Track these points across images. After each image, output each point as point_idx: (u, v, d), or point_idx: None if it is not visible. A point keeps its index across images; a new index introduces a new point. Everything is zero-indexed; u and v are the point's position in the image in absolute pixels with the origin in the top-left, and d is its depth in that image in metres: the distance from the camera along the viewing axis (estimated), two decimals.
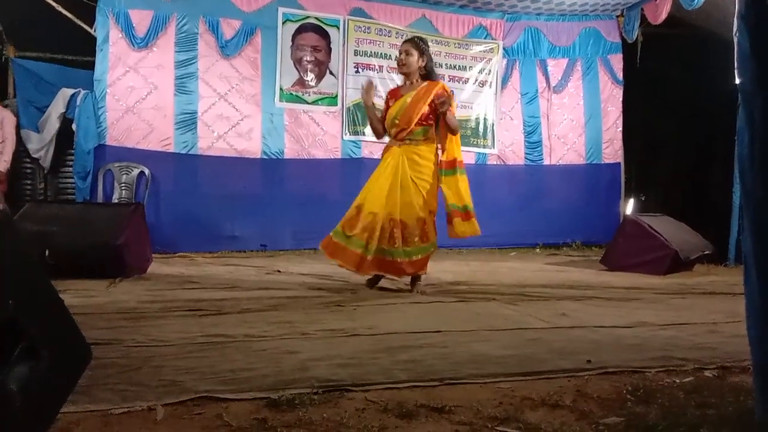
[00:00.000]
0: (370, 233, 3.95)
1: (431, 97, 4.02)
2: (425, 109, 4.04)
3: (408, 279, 4.14)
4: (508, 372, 2.19)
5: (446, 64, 7.42)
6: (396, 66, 4.22)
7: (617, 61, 8.03)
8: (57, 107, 6.45)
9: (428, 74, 4.14)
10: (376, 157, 7.19)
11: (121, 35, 6.33)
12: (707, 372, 2.24)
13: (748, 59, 1.32)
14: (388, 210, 3.99)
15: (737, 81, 1.42)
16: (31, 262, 1.47)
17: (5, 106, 6.38)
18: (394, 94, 4.22)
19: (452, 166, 4.15)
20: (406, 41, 4.23)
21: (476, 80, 7.67)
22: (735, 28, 1.40)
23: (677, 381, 2.12)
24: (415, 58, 4.07)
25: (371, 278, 4.22)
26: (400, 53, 4.13)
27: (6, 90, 6.78)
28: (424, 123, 4.08)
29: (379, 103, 7.18)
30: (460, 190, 4.13)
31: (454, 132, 4.13)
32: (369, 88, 4.17)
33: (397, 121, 4.08)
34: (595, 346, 2.61)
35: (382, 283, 4.38)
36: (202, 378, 2.04)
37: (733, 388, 2.03)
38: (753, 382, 1.52)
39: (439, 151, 4.16)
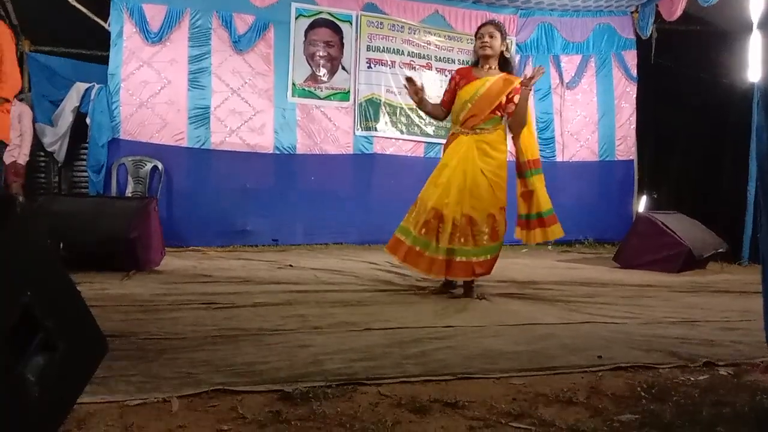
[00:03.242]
0: (439, 231, 3.65)
1: (511, 89, 3.74)
2: (502, 99, 3.74)
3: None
4: (521, 367, 2.19)
5: (459, 60, 7.39)
6: (479, 49, 3.75)
7: (631, 58, 7.97)
8: (71, 101, 6.50)
9: (505, 62, 3.85)
10: (388, 152, 7.24)
11: (135, 30, 6.36)
12: (722, 370, 2.23)
13: None
14: (458, 205, 3.66)
15: (753, 80, 1.41)
16: (49, 254, 1.48)
17: (21, 100, 6.43)
18: (466, 75, 3.83)
19: (538, 165, 3.92)
20: (489, 23, 3.85)
21: None
22: (755, 27, 1.39)
23: (692, 379, 2.11)
24: (498, 42, 3.75)
25: (444, 283, 3.92)
26: (484, 35, 3.74)
27: (21, 84, 6.83)
28: (497, 113, 3.79)
29: (389, 98, 7.19)
30: (544, 193, 3.92)
31: (523, 124, 3.86)
32: (414, 88, 3.81)
33: (469, 106, 3.74)
34: (607, 343, 2.61)
35: (392, 278, 4.38)
36: (216, 370, 2.06)
37: (748, 387, 2.02)
38: None
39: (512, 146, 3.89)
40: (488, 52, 3.75)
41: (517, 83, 3.74)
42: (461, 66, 3.95)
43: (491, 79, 3.75)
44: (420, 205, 3.78)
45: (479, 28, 3.86)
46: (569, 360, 2.31)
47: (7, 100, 3.85)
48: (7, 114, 3.96)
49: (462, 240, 3.66)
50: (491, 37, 3.74)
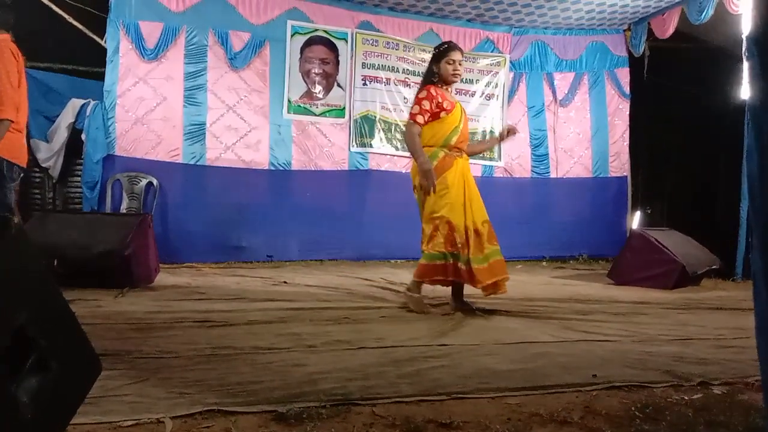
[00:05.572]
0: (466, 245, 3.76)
1: None
2: None
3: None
4: (515, 386, 2.19)
5: None
6: (451, 76, 3.88)
7: (624, 75, 8.05)
8: (66, 117, 6.49)
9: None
10: (383, 168, 7.25)
11: (131, 46, 6.38)
12: (715, 389, 2.23)
13: (758, 80, 1.32)
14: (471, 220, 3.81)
15: (745, 98, 1.43)
16: (42, 273, 1.48)
17: None
18: (445, 97, 3.90)
19: None
20: (460, 50, 3.95)
21: (483, 93, 7.70)
22: (744, 48, 1.39)
23: (686, 398, 2.11)
24: None
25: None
26: (457, 62, 3.87)
27: (26, 105, 6.84)
28: None
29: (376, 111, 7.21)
30: None
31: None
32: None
33: (459, 130, 3.92)
34: (601, 361, 2.61)
35: (387, 294, 4.38)
36: (210, 390, 2.05)
37: (741, 406, 2.02)
38: (763, 400, 1.52)
39: None
40: (458, 80, 4.01)
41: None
42: (431, 84, 3.95)
43: (460, 104, 4.03)
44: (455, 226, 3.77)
45: (450, 51, 3.89)
46: (564, 379, 2.31)
47: (10, 121, 3.88)
48: (19, 135, 4.01)
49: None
50: (461, 65, 3.94)
